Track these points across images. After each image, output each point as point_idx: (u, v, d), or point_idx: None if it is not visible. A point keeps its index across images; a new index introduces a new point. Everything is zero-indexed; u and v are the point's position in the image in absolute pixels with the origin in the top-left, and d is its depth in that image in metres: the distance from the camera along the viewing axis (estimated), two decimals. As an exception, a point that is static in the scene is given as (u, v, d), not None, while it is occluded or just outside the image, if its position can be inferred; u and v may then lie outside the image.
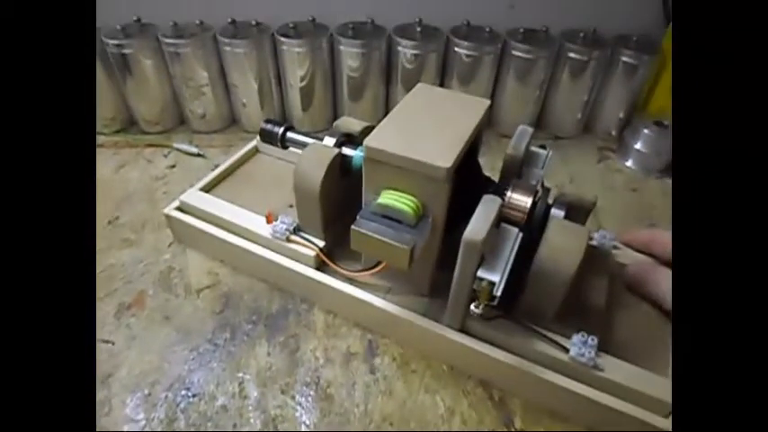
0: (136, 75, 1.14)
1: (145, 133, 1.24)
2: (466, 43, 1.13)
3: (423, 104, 0.67)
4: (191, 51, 1.11)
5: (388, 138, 0.60)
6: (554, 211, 0.66)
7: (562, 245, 0.59)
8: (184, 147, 1.16)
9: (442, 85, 1.21)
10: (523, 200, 0.63)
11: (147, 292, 0.86)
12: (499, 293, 0.56)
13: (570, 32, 1.21)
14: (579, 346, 0.63)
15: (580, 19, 1.21)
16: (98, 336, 0.79)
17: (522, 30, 1.18)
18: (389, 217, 0.60)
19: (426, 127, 0.62)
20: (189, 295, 0.85)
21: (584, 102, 1.25)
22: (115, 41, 1.09)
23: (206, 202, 0.88)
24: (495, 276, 0.56)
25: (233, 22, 1.12)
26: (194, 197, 0.90)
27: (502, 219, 0.63)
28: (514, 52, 1.16)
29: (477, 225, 0.55)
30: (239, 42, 1.10)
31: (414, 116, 0.65)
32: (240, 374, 0.74)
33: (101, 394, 0.72)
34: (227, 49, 1.11)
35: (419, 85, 0.72)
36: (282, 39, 1.11)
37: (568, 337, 0.64)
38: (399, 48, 1.13)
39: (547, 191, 0.68)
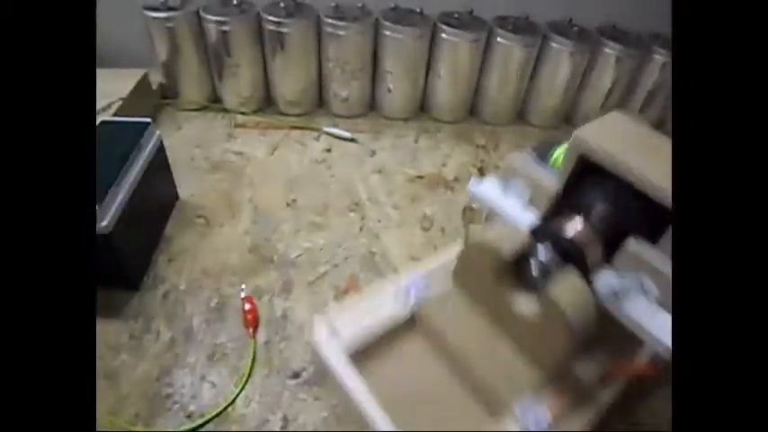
0: (288, 53, 1.11)
1: (282, 114, 1.21)
2: (565, 40, 1.14)
3: (658, 146, 0.68)
4: (351, 34, 1.10)
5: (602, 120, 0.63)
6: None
7: None
8: (336, 131, 1.15)
9: (531, 78, 1.23)
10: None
11: (357, 275, 0.86)
12: None
13: (655, 35, 1.21)
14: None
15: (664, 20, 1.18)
16: (323, 319, 0.79)
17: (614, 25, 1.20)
18: None
19: (629, 136, 0.61)
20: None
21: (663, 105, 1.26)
22: (275, 18, 1.07)
23: None
24: None
25: (395, 8, 1.12)
26: None
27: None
28: (606, 50, 1.17)
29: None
30: (401, 28, 1.10)
31: (636, 133, 0.62)
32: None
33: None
34: (387, 33, 1.11)
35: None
36: (444, 27, 1.11)
37: None
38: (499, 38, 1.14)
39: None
